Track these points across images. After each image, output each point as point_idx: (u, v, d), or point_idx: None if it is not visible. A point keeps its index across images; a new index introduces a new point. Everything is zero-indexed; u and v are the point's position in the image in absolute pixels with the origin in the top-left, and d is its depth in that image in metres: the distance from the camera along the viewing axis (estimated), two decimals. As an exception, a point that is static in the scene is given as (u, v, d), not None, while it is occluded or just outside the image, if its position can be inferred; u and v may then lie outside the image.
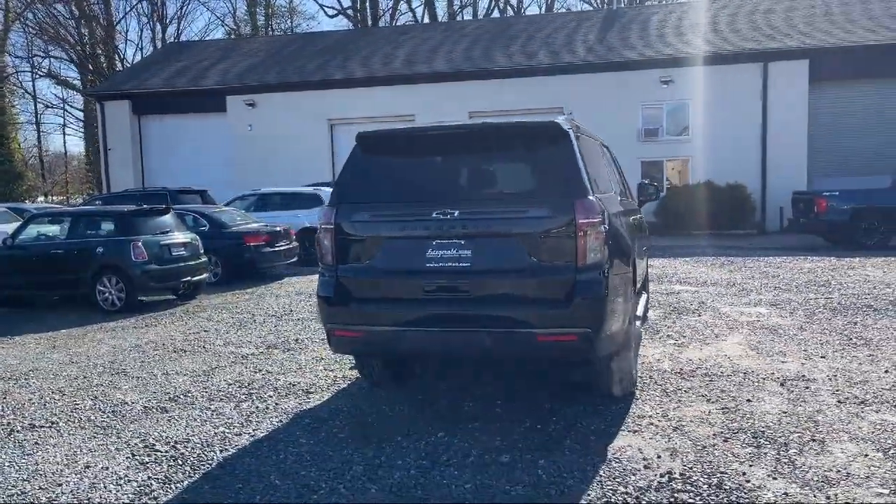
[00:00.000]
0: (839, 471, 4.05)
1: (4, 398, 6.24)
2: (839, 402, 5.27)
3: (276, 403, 5.78)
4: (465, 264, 4.83)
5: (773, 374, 6.08)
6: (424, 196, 4.99)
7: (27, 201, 34.22)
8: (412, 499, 3.94)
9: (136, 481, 4.31)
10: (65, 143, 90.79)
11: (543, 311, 4.70)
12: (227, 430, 5.15)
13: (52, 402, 6.05)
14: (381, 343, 5.13)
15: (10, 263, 11.28)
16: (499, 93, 22.98)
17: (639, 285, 6.45)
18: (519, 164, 5.18)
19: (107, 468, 4.54)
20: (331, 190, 17.72)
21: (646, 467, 4.20)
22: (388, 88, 24.18)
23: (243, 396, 6.01)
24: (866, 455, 4.26)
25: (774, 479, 3.97)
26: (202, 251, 11.95)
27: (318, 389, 6.15)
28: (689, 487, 3.91)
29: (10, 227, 13.41)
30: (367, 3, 44.98)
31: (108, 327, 9.57)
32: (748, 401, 5.36)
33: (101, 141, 27.08)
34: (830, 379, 5.86)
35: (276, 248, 13.99)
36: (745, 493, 3.80)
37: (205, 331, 9.02)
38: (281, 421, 5.34)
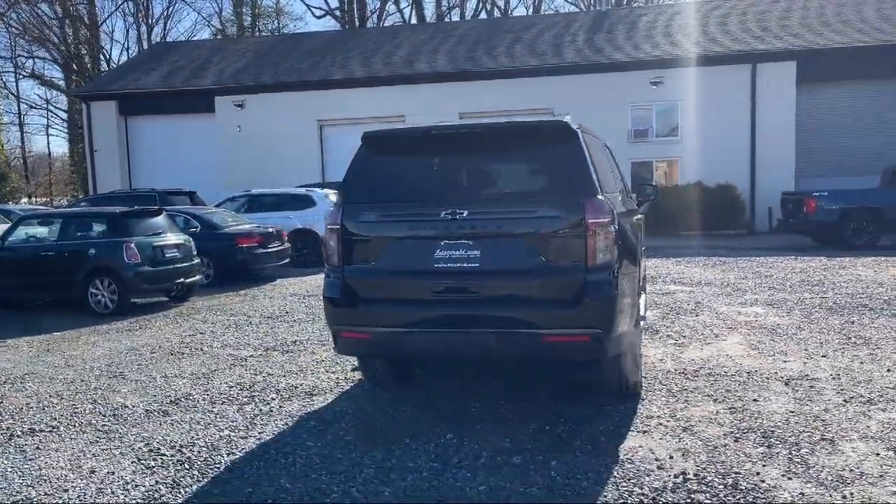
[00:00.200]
0: (852, 470, 4.05)
1: (2, 402, 6.14)
2: (845, 401, 5.29)
3: (280, 406, 5.72)
4: (473, 265, 4.80)
5: (776, 373, 6.10)
6: (432, 196, 4.95)
7: (10, 202, 33.81)
8: (427, 500, 3.91)
9: (144, 486, 4.24)
10: (48, 144, 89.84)
11: (554, 312, 4.68)
12: (232, 434, 5.09)
13: (50, 406, 5.95)
14: (388, 344, 5.09)
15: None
16: (489, 94, 22.97)
17: (640, 285, 6.46)
18: (527, 164, 5.15)
19: (112, 473, 4.46)
20: (322, 191, 17.61)
21: (659, 468, 4.19)
22: (378, 89, 24.11)
23: (245, 399, 5.95)
24: (877, 454, 4.27)
25: (789, 478, 3.96)
26: (195, 253, 11.84)
27: (320, 392, 6.09)
28: (704, 488, 3.89)
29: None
30: (355, 4, 44.85)
31: (102, 330, 9.45)
32: (754, 400, 5.37)
33: (87, 142, 26.80)
34: (834, 378, 5.88)
35: (269, 250, 13.88)
36: (762, 494, 3.80)
37: (200, 333, 8.93)
38: (286, 424, 5.29)
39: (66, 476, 4.45)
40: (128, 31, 64.93)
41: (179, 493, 4.15)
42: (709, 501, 3.76)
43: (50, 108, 51.28)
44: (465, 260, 4.80)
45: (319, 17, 50.28)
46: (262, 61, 27.84)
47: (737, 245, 17.86)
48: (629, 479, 4.05)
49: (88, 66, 45.84)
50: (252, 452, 4.73)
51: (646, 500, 3.81)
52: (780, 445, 4.44)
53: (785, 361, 6.48)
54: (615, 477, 4.09)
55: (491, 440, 4.74)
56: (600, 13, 31.54)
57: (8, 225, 12.97)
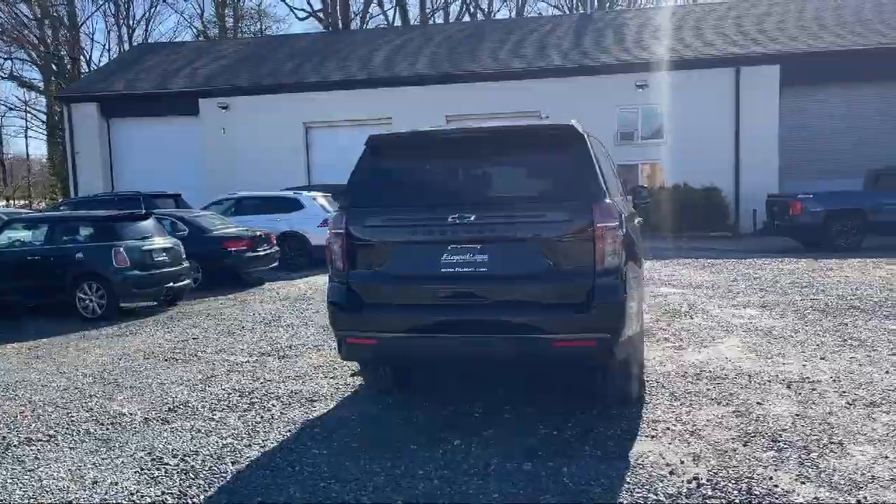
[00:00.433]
0: (863, 473, 4.06)
1: (-6, 411, 6.02)
2: (848, 403, 5.31)
3: (282, 413, 5.65)
4: (481, 269, 4.77)
5: (776, 376, 6.12)
6: (438, 200, 4.92)
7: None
8: (441, 509, 3.87)
9: (150, 497, 4.16)
10: (27, 146, 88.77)
11: (562, 316, 4.66)
12: (235, 442, 5.01)
13: (45, 415, 5.83)
14: (395, 350, 5.04)
15: (-16, 270, 10.93)
16: (475, 96, 22.96)
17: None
18: (534, 168, 5.13)
19: (116, 483, 4.37)
20: (310, 194, 17.47)
21: (671, 473, 4.17)
22: (364, 91, 24.02)
23: (246, 406, 5.87)
24: (886, 457, 4.28)
25: (802, 483, 3.97)
26: (184, 256, 11.70)
27: (321, 398, 6.03)
28: (719, 494, 3.89)
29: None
30: (338, 6, 44.68)
31: (91, 335, 9.30)
32: (758, 403, 5.38)
33: (68, 145, 26.46)
34: (834, 380, 5.91)
35: (258, 254, 13.75)
36: (777, 499, 3.79)
37: (193, 338, 8.81)
38: (290, 431, 5.22)
39: (68, 487, 4.35)
40: (109, 32, 64.13)
41: (187, 503, 4.07)
42: (724, 507, 3.75)
43: (28, 109, 50.66)
44: (473, 265, 4.77)
45: (302, 19, 50.44)
46: (246, 63, 27.64)
47: (722, 247, 17.99)
48: (642, 485, 4.03)
49: (68, 67, 45.28)
50: (257, 461, 4.66)
51: (661, 507, 3.79)
52: (790, 449, 4.45)
53: (784, 364, 6.51)
54: (628, 483, 4.07)
55: (499, 446, 4.71)
56: (584, 16, 31.71)
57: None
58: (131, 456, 4.83)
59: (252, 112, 24.51)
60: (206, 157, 24.69)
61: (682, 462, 4.33)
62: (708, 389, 5.80)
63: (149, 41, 45.55)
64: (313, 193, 17.16)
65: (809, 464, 4.22)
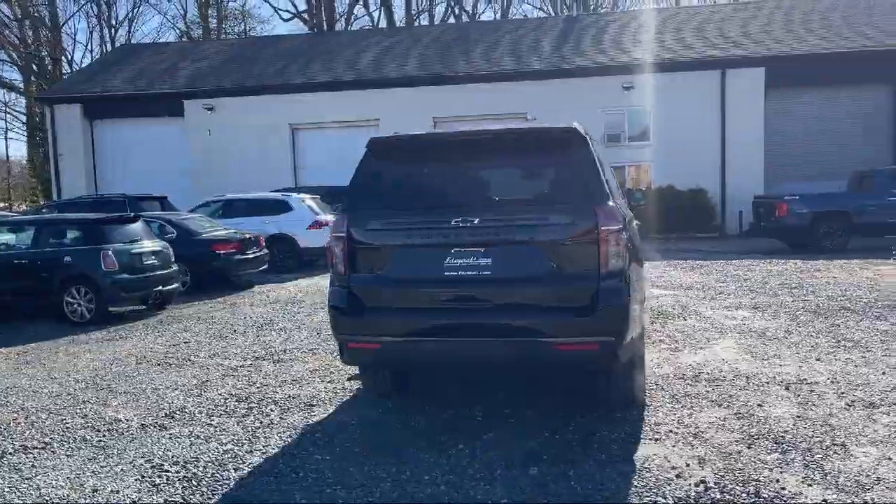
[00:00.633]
0: (868, 475, 4.08)
1: (-14, 418, 5.92)
2: (847, 405, 5.34)
3: (281, 418, 5.60)
4: (485, 273, 4.75)
5: (774, 377, 6.15)
6: (441, 203, 4.89)
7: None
8: (450, 515, 3.84)
9: (153, 505, 4.10)
10: (7, 148, 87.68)
11: (566, 320, 4.64)
12: (236, 448, 4.96)
13: (39, 422, 5.74)
14: (397, 354, 5.00)
15: (-31, 274, 10.75)
16: (463, 98, 22.95)
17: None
18: (537, 170, 5.12)
19: (117, 492, 4.31)
20: (298, 195, 17.37)
21: (678, 476, 4.17)
22: (351, 93, 23.92)
23: (244, 411, 5.81)
24: (890, 458, 4.31)
25: (809, 485, 3.98)
26: (173, 260, 11.59)
27: (320, 402, 5.98)
28: (727, 497, 3.89)
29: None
30: (323, 7, 44.54)
31: (80, 340, 9.18)
32: (759, 405, 5.40)
33: (50, 146, 26.12)
34: (832, 382, 5.94)
35: (247, 256, 13.65)
36: (786, 501, 3.80)
37: (185, 342, 8.72)
38: (290, 436, 5.17)
39: (68, 496, 4.28)
40: (91, 32, 63.62)
41: (191, 511, 4.02)
42: (733, 510, 3.76)
43: (8, 110, 49.96)
44: (477, 268, 4.75)
45: (287, 20, 50.15)
46: (232, 64, 27.45)
47: (709, 248, 18.09)
48: (650, 489, 4.02)
49: (49, 68, 44.76)
50: (260, 467, 4.61)
51: (671, 510, 3.79)
52: (794, 451, 4.46)
53: (780, 365, 6.54)
54: (635, 487, 4.06)
55: (503, 450, 4.68)
56: (571, 18, 31.79)
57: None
58: (131, 463, 4.76)
59: (238, 113, 24.35)
60: (192, 158, 24.48)
61: (687, 465, 4.33)
62: (707, 391, 5.81)
63: (132, 42, 45.14)
64: (302, 195, 17.07)
65: (814, 466, 4.23)
